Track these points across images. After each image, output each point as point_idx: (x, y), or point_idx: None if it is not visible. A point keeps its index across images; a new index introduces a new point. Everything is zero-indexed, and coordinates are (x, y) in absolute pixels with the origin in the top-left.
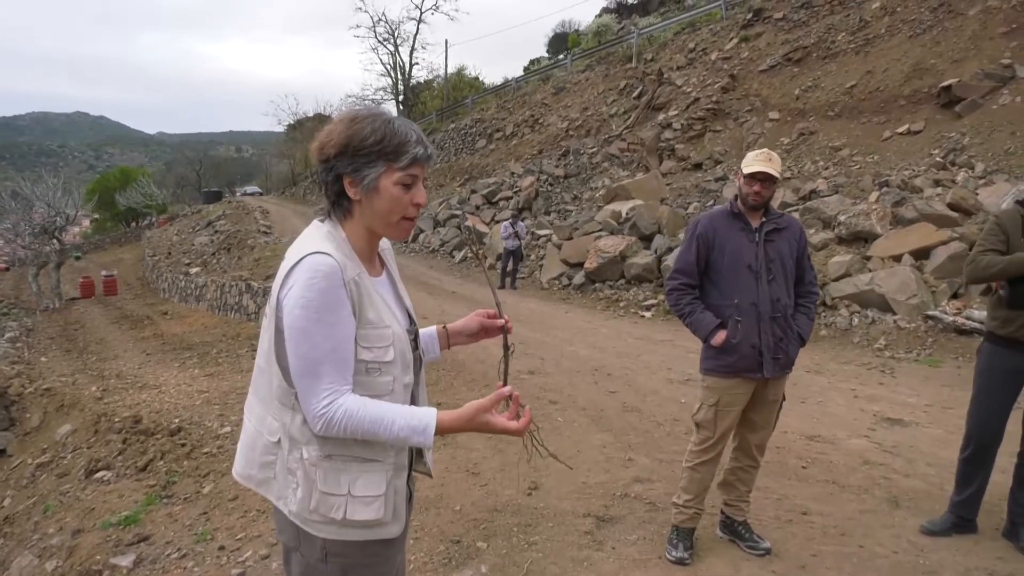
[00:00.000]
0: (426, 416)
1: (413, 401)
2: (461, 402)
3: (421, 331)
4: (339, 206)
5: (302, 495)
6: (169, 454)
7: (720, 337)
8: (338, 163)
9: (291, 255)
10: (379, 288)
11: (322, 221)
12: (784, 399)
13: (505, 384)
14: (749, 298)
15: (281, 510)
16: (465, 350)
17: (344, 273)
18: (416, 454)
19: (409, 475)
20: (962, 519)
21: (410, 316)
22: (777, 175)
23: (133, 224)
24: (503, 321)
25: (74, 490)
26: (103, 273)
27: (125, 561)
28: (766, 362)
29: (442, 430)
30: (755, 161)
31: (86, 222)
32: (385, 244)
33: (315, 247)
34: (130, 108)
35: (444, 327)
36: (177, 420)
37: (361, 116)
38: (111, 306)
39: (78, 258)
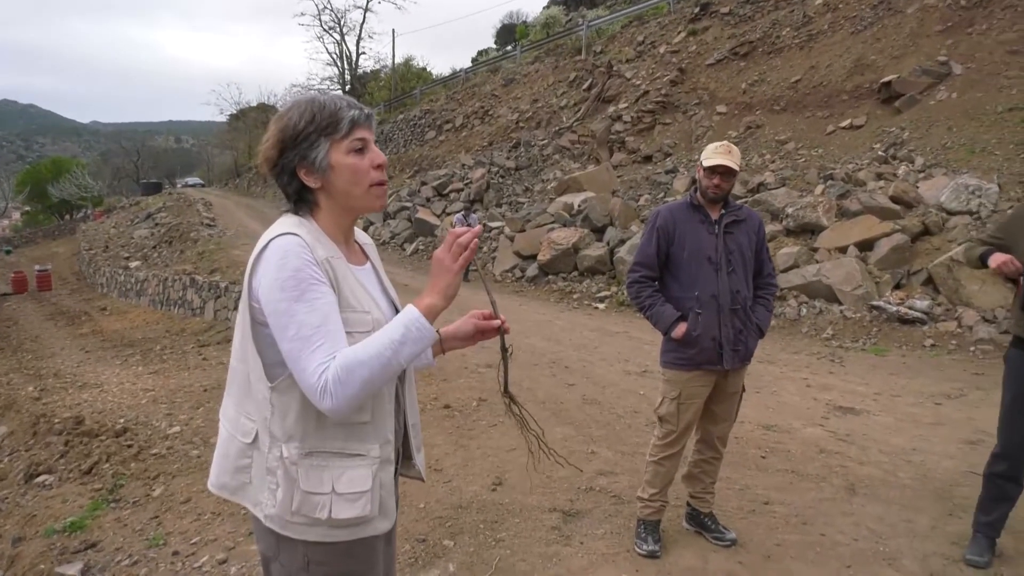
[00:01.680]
0: (409, 313)
1: (398, 397)
2: (434, 391)
3: None
4: (304, 201)
5: (283, 496)
6: (115, 456)
7: (681, 330)
8: (284, 160)
9: (259, 243)
10: (360, 276)
11: (292, 213)
12: (744, 390)
13: (507, 389)
14: (709, 290)
15: (258, 517)
16: None
17: (314, 252)
18: (404, 455)
19: (396, 474)
20: (992, 541)
21: (396, 308)
22: (737, 168)
23: (67, 216)
24: (499, 322)
25: (13, 496)
26: (36, 268)
27: (72, 570)
28: (726, 354)
29: (428, 307)
30: (715, 154)
31: (16, 215)
32: (366, 239)
33: (282, 230)
34: (62, 96)
35: (437, 331)
36: (122, 420)
37: (285, 110)
38: (45, 302)
39: (8, 252)
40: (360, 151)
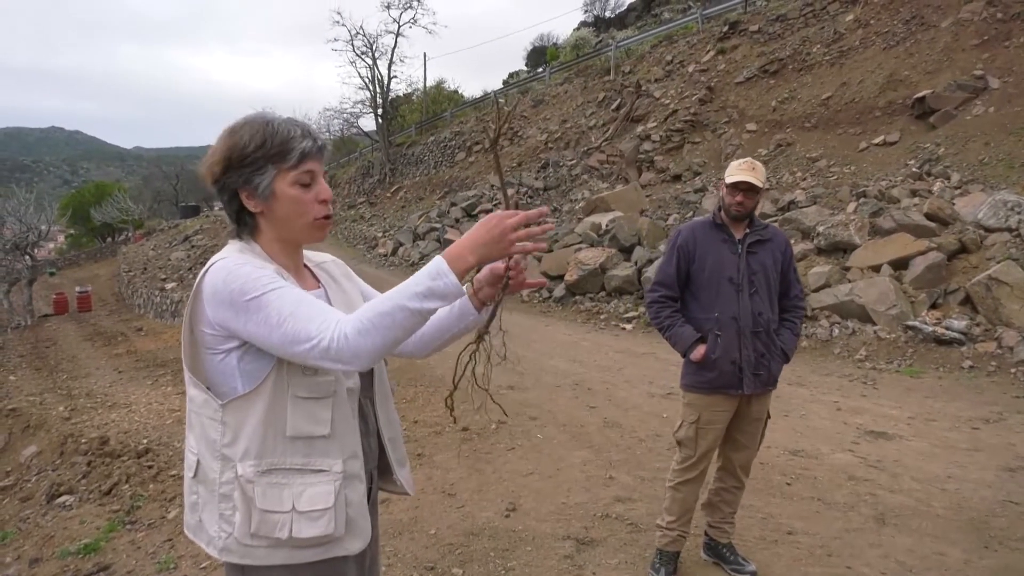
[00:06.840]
0: (436, 265)
1: (362, 411)
2: (439, 418)
3: None
4: (243, 223)
5: (241, 519)
6: (135, 477)
7: (699, 352)
8: (227, 179)
9: (202, 270)
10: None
11: (237, 238)
12: (769, 417)
13: (492, 319)
14: (730, 312)
15: (213, 556)
16: (444, 364)
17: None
18: (382, 471)
19: (372, 491)
20: None
21: None
22: (761, 185)
23: (109, 239)
24: (504, 267)
25: (35, 516)
26: (77, 289)
27: None
28: (746, 378)
29: (457, 263)
30: (738, 171)
31: (61, 237)
32: (325, 257)
33: (223, 255)
34: (107, 122)
35: (469, 282)
36: (145, 441)
37: (237, 126)
38: (85, 323)
39: (52, 274)
40: (307, 185)
